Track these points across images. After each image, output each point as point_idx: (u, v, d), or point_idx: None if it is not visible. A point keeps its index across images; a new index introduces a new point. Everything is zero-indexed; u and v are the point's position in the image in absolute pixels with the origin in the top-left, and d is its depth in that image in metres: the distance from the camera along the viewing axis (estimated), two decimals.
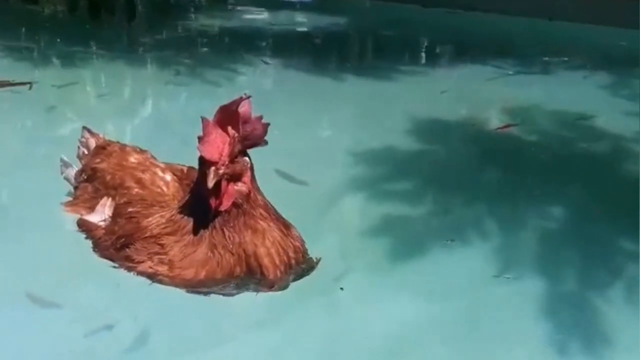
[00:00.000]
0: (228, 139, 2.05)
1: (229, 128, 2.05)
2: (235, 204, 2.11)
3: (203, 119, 2.05)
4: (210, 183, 2.03)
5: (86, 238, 2.37)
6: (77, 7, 5.73)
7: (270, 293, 2.15)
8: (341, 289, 2.22)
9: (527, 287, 2.27)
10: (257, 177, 2.82)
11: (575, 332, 2.06)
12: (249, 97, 2.08)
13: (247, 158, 2.13)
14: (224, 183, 2.07)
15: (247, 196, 2.13)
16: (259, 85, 4.54)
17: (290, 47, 5.48)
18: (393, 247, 2.49)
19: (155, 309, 2.11)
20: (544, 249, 2.53)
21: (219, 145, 2.04)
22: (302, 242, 2.28)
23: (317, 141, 3.53)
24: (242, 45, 5.39)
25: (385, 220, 2.66)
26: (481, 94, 4.27)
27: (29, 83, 4.02)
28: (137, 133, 3.48)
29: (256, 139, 2.12)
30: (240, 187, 2.11)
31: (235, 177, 2.10)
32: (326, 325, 2.08)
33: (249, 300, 2.12)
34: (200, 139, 2.04)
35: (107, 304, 2.11)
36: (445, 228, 2.62)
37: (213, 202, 2.09)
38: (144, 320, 2.04)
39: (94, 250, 2.31)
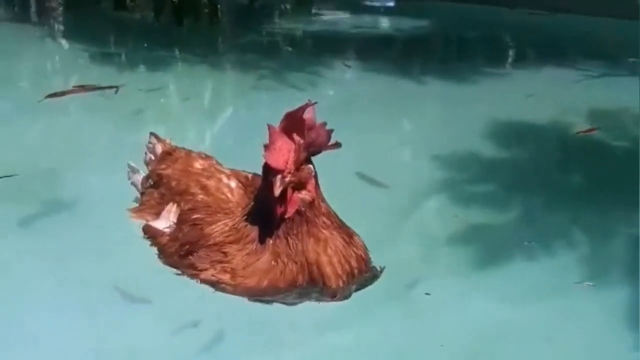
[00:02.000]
0: (294, 147, 2.01)
1: (295, 135, 2.02)
2: (298, 212, 2.08)
3: (269, 126, 2.02)
4: (277, 191, 1.99)
5: (151, 245, 2.36)
6: (163, 13, 5.82)
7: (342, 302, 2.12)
8: (427, 294, 2.19)
9: (610, 296, 2.20)
10: (338, 179, 2.85)
11: None
12: (314, 104, 2.04)
13: (311, 166, 2.10)
14: (289, 191, 2.04)
15: (311, 204, 2.10)
16: (341, 88, 4.50)
17: (372, 51, 5.44)
18: (473, 252, 2.44)
19: (234, 311, 2.10)
20: (630, 257, 2.44)
21: (285, 153, 2.00)
22: (366, 251, 2.23)
23: (399, 144, 3.48)
24: (325, 49, 5.36)
25: (466, 225, 2.61)
26: (567, 97, 4.15)
27: (116, 87, 4.07)
28: (219, 138, 3.52)
29: (320, 146, 2.09)
30: (305, 195, 2.08)
31: (300, 185, 2.06)
32: (399, 332, 2.05)
33: (314, 308, 2.09)
34: (266, 146, 2.01)
35: (192, 304, 2.12)
36: (526, 233, 2.56)
37: (278, 210, 2.06)
38: (221, 322, 2.03)
39: (158, 257, 2.31)
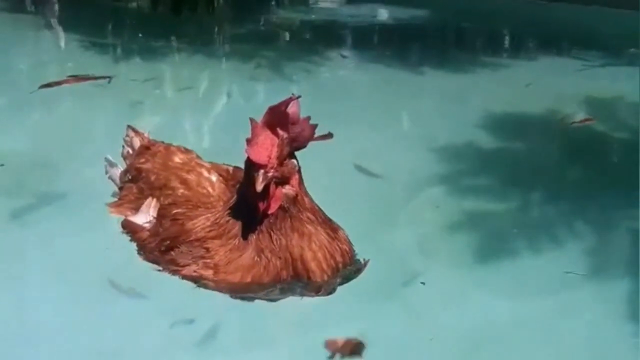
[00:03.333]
0: (277, 141, 1.97)
1: (278, 129, 1.97)
2: (282, 207, 2.04)
3: (252, 120, 1.98)
4: (259, 187, 1.95)
5: (131, 240, 2.31)
6: (160, 3, 5.80)
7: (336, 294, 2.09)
8: (422, 283, 2.18)
9: (610, 288, 2.18)
10: (334, 170, 2.82)
11: None
12: (298, 97, 1.99)
13: (294, 160, 2.05)
14: (272, 186, 2.00)
15: (295, 199, 2.06)
16: (338, 78, 4.50)
17: (370, 41, 5.42)
18: (470, 244, 2.41)
19: (221, 306, 2.07)
20: (630, 249, 2.42)
21: (268, 147, 1.96)
22: (350, 245, 2.20)
23: (396, 135, 3.44)
24: (322, 39, 5.32)
25: (463, 216, 2.58)
26: (566, 87, 4.11)
27: (109, 77, 4.03)
28: (215, 128, 3.47)
29: (304, 141, 2.04)
30: (288, 190, 2.04)
31: (283, 180, 2.02)
32: (392, 324, 2.03)
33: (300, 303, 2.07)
34: (248, 141, 1.97)
35: (186, 299, 2.09)
36: (524, 225, 2.54)
37: (261, 205, 2.02)
38: (211, 318, 2.00)
39: (138, 253, 2.26)
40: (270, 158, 1.96)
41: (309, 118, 2.03)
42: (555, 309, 2.10)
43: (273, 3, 6.53)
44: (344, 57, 4.89)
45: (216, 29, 5.76)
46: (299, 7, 6.32)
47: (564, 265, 2.29)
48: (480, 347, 1.94)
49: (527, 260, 2.33)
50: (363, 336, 1.94)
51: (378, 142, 3.28)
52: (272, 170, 1.97)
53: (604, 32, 5.39)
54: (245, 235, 2.08)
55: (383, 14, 6.23)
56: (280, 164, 1.99)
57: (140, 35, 5.24)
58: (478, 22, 5.83)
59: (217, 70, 4.56)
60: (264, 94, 4.03)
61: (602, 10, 5.64)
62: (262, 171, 1.95)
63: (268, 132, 1.97)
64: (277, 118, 1.97)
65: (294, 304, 2.06)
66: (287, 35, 5.62)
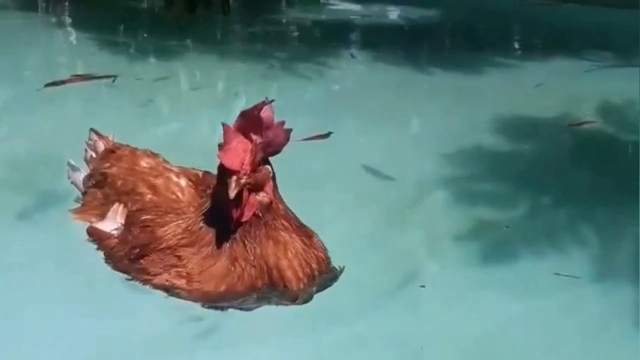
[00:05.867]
0: (250, 147, 1.89)
1: (251, 135, 1.90)
2: (256, 215, 1.96)
3: (224, 125, 1.90)
4: (232, 193, 1.87)
5: (98, 249, 2.23)
6: (174, 2, 5.80)
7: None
8: (422, 286, 2.15)
9: (618, 292, 2.16)
10: (342, 171, 2.82)
11: None
12: (271, 102, 1.92)
13: (268, 167, 1.98)
14: (245, 193, 1.92)
15: (269, 206, 1.98)
16: (349, 79, 4.49)
17: (381, 40, 5.36)
18: (478, 246, 2.38)
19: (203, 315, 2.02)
20: (636, 253, 2.38)
21: (240, 153, 1.88)
22: (325, 251, 2.13)
23: (405, 136, 3.42)
24: (333, 38, 5.30)
25: (470, 220, 2.55)
26: (576, 88, 4.06)
27: (114, 76, 4.01)
28: None
29: (278, 146, 1.96)
30: (262, 197, 1.96)
31: (257, 187, 1.95)
32: (399, 324, 2.01)
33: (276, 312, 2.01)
34: (220, 146, 1.89)
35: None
36: (532, 228, 2.52)
37: (234, 213, 1.94)
38: (187, 328, 1.96)
39: (106, 262, 2.18)
40: (243, 164, 1.89)
41: (283, 123, 1.95)
42: (559, 311, 2.08)
43: (285, 3, 6.54)
44: (353, 57, 4.89)
45: (229, 28, 5.76)
46: (311, 7, 6.30)
47: (568, 267, 2.26)
48: (485, 347, 1.93)
49: (532, 264, 2.30)
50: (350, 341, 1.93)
51: (387, 142, 3.25)
52: (245, 177, 1.90)
53: (614, 33, 5.36)
54: (218, 243, 2.01)
55: (393, 13, 6.23)
56: (254, 170, 1.92)
57: (154, 34, 5.24)
58: (488, 22, 5.80)
59: (230, 69, 4.52)
60: (276, 94, 4.04)
61: (613, 12, 5.61)
62: (234, 177, 1.88)
63: (241, 138, 1.90)
64: (249, 123, 1.90)
65: (270, 313, 2.00)
66: (299, 35, 5.63)
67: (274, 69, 4.47)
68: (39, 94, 3.76)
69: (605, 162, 3.17)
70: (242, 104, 3.83)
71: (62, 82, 3.93)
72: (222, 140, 1.90)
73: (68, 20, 5.85)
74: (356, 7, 6.25)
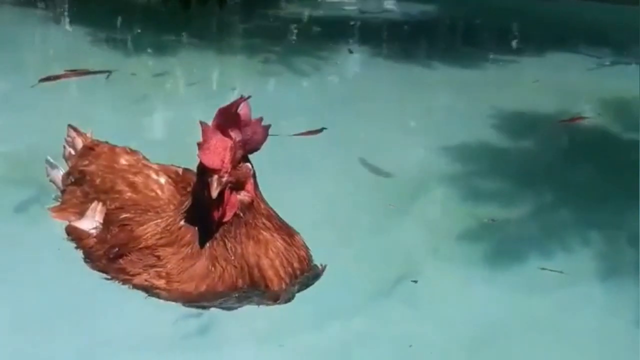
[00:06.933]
0: (230, 144, 1.85)
1: (230, 132, 1.86)
2: (236, 214, 1.92)
3: (202, 124, 1.86)
4: (214, 193, 1.83)
5: (76, 247, 2.18)
6: None
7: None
8: (414, 281, 2.14)
9: (619, 289, 2.15)
10: (340, 167, 2.81)
11: None
12: (247, 98, 1.88)
13: (248, 164, 1.93)
14: (227, 192, 1.88)
15: (250, 205, 1.94)
16: (347, 74, 4.49)
17: (379, 36, 5.37)
18: (475, 243, 2.37)
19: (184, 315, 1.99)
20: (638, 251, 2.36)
21: (221, 151, 1.84)
22: (307, 250, 2.09)
23: (404, 131, 3.40)
24: (330, 33, 5.26)
25: (469, 216, 2.54)
26: (575, 84, 4.08)
27: (108, 72, 3.98)
28: None
29: (256, 144, 1.92)
30: (244, 196, 1.92)
31: (238, 185, 1.91)
32: (401, 320, 2.00)
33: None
34: (200, 145, 1.85)
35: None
36: (532, 225, 2.52)
37: (216, 213, 1.91)
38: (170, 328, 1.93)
39: (85, 261, 2.13)
40: (224, 162, 1.85)
41: (261, 119, 1.92)
42: (560, 309, 2.07)
43: None
44: (351, 52, 4.87)
45: (225, 23, 5.74)
46: (308, 2, 6.29)
47: (570, 265, 2.26)
48: (482, 346, 1.92)
49: (531, 260, 2.28)
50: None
51: (385, 138, 3.23)
52: (226, 175, 1.86)
53: (614, 30, 5.35)
54: (198, 242, 1.97)
55: (392, 9, 6.22)
56: (234, 167, 1.88)
57: (150, 29, 5.21)
58: (487, 18, 5.79)
59: (227, 65, 4.51)
60: (273, 89, 4.03)
61: (612, 8, 5.60)
62: (216, 176, 1.84)
63: (220, 136, 1.86)
64: (228, 120, 1.87)
65: (251, 313, 1.97)
66: (296, 31, 5.61)
67: (271, 64, 4.46)
68: (33, 89, 3.72)
69: (604, 158, 3.15)
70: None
71: (57, 77, 3.90)
72: (200, 140, 1.86)
73: (64, 15, 5.82)
74: (354, 3, 6.24)
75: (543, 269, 2.23)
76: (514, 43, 5.34)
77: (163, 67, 4.28)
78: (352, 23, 5.74)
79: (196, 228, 1.98)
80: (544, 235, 2.45)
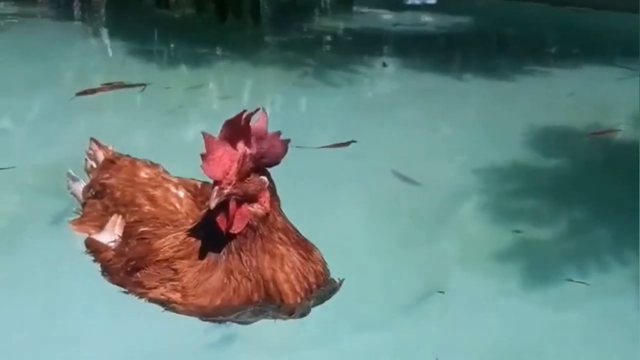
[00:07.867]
0: (237, 157, 1.85)
1: (239, 144, 1.86)
2: (250, 227, 1.92)
3: (205, 135, 1.86)
4: (212, 203, 1.83)
5: (94, 261, 2.19)
6: (205, 10, 5.83)
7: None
8: (441, 292, 2.13)
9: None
10: (372, 177, 2.81)
11: None
12: (256, 111, 1.88)
13: (264, 177, 1.92)
14: (232, 204, 1.87)
15: (265, 218, 1.93)
16: (380, 86, 4.49)
17: (413, 48, 5.34)
18: (507, 257, 2.35)
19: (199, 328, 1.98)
20: None
21: (225, 163, 1.84)
22: (325, 265, 2.08)
23: (436, 143, 3.38)
24: (365, 46, 5.27)
25: (500, 229, 2.52)
26: (609, 97, 4.01)
27: (143, 85, 4.04)
28: None
29: (275, 157, 1.91)
30: (257, 209, 1.91)
31: (248, 198, 1.90)
32: (430, 334, 1.99)
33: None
34: (203, 156, 1.85)
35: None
36: (564, 239, 2.49)
37: (222, 224, 1.90)
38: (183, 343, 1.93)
39: (102, 275, 2.14)
40: (227, 174, 1.85)
41: (279, 133, 1.91)
42: (592, 324, 2.05)
43: (317, 11, 6.55)
44: (385, 65, 4.88)
45: (260, 36, 5.78)
46: (342, 15, 6.32)
47: (599, 280, 2.24)
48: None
49: (562, 276, 2.27)
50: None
51: (418, 150, 3.23)
52: (228, 187, 1.85)
53: None
54: (214, 255, 1.97)
55: (426, 21, 6.22)
56: (241, 180, 1.87)
57: (185, 42, 5.26)
58: (521, 29, 5.74)
59: (261, 77, 4.52)
60: (306, 102, 4.05)
61: None
62: (217, 188, 1.84)
63: (227, 147, 1.86)
64: (236, 132, 1.86)
65: (267, 327, 1.96)
66: (330, 43, 5.63)
67: (306, 77, 4.47)
68: (70, 103, 3.77)
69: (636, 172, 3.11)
70: (273, 112, 3.85)
71: (93, 91, 3.95)
72: (204, 151, 1.86)
73: (102, 29, 5.90)
74: (389, 15, 6.24)
75: (569, 280, 2.21)
76: (547, 54, 5.31)
77: (197, 80, 4.32)
78: (385, 36, 5.74)
79: (212, 241, 1.98)
80: (577, 251, 2.42)
